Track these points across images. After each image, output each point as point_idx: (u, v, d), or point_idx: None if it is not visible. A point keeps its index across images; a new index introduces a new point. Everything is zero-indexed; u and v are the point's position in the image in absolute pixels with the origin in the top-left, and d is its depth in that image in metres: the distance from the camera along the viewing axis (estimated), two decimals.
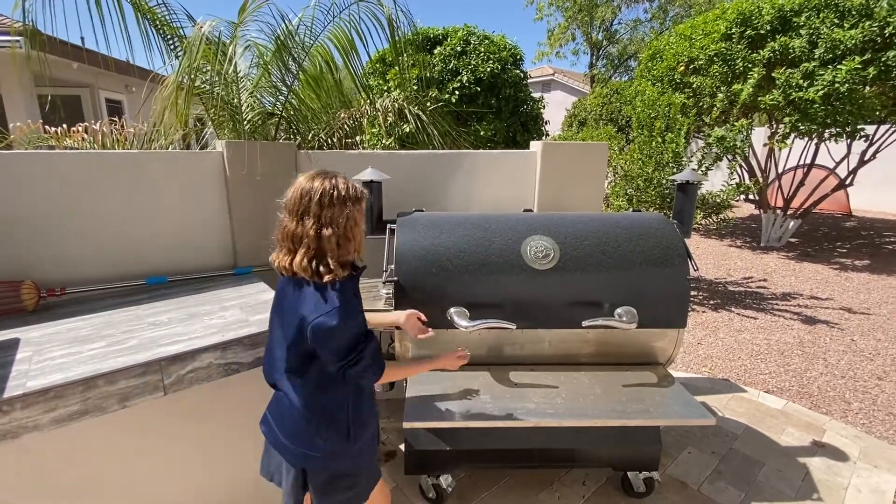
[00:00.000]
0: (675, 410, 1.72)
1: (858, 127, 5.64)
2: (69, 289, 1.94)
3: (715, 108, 5.77)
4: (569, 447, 2.06)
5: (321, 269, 1.18)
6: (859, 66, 5.05)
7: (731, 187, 4.72)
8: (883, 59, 5.13)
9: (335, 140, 3.60)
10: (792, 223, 7.43)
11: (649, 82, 7.17)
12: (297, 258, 1.19)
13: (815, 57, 5.41)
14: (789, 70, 5.51)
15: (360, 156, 2.62)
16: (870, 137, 6.19)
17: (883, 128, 6.55)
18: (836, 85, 5.15)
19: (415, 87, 6.21)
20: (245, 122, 2.97)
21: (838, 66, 5.17)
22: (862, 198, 9.69)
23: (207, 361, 1.58)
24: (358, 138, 3.94)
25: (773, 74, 5.58)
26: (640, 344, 2.01)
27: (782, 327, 4.39)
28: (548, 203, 2.74)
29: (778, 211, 7.45)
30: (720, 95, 5.82)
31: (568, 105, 13.25)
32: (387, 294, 2.04)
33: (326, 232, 1.17)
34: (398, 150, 2.67)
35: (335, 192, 1.19)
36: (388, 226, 2.05)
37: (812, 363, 3.70)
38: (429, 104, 6.09)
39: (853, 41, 5.17)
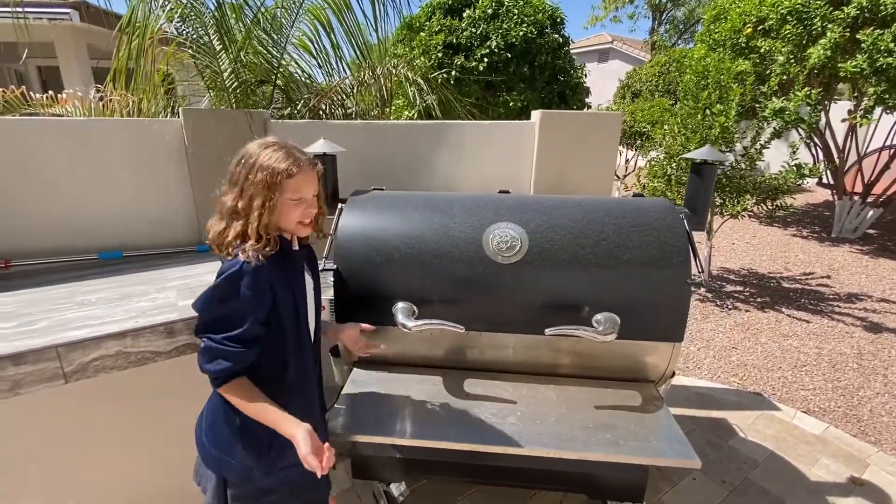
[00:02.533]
0: (650, 445, 1.40)
1: None
2: (15, 261, 1.88)
3: (774, 75, 4.95)
4: (537, 468, 1.79)
5: (213, 237, 1.20)
6: None
7: (790, 169, 4.04)
8: None
9: (334, 110, 3.38)
10: (871, 212, 6.43)
11: (709, 47, 6.32)
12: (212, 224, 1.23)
13: None
14: (878, 31, 4.58)
15: (332, 126, 2.38)
16: None
17: None
18: None
19: (440, 55, 5.85)
20: (230, 90, 2.81)
21: None
22: None
23: (115, 349, 1.45)
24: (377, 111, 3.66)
25: (857, 36, 4.68)
26: (626, 358, 1.68)
27: (839, 335, 3.77)
28: (546, 184, 2.38)
29: (855, 197, 6.46)
30: (780, 59, 4.98)
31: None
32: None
33: (226, 195, 1.16)
34: (375, 121, 2.41)
35: (248, 155, 1.12)
36: (340, 205, 1.82)
37: (868, 380, 3.13)
38: (453, 73, 5.73)
39: None
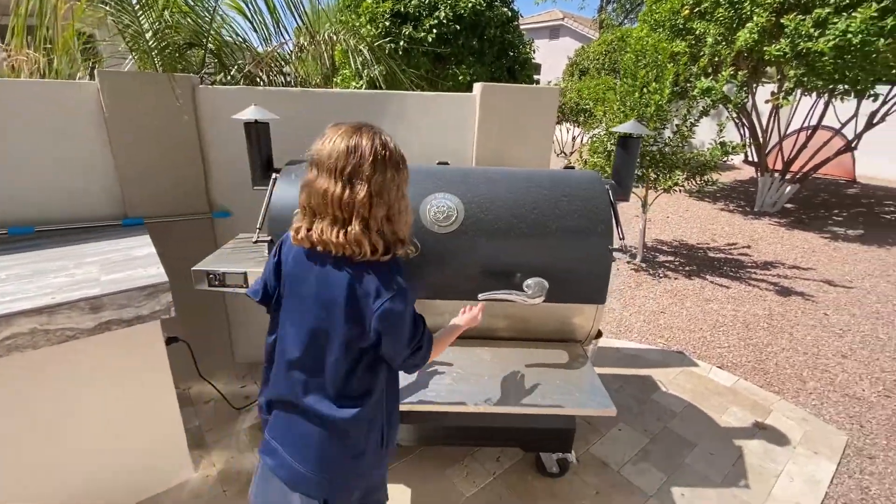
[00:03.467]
0: (574, 398, 1.53)
1: (869, 85, 5.14)
2: None
3: (703, 56, 5.23)
4: (474, 425, 1.90)
5: (381, 245, 0.97)
6: (875, 15, 4.49)
7: (716, 146, 4.34)
8: None
9: (273, 78, 3.23)
10: (789, 188, 7.03)
11: (650, 27, 6.54)
12: (353, 231, 0.94)
13: (830, 2, 4.82)
14: (800, 17, 4.93)
15: (267, 93, 2.29)
16: (881, 98, 5.67)
17: None
18: (849, 36, 4.61)
19: (387, 24, 5.68)
20: (154, 52, 2.62)
21: (853, 14, 4.61)
22: (868, 164, 9.17)
23: (29, 327, 1.38)
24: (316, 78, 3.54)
25: (781, 21, 5.01)
26: (554, 320, 1.79)
27: (754, 298, 4.17)
28: (487, 157, 2.43)
29: (776, 174, 7.03)
30: (709, 41, 5.26)
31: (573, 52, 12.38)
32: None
33: (377, 201, 0.96)
34: (314, 89, 2.35)
35: (386, 153, 0.97)
36: (273, 176, 1.78)
37: (776, 338, 3.51)
38: (402, 43, 5.60)
39: None
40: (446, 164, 2.01)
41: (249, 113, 1.76)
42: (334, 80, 4.20)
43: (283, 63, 3.26)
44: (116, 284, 1.53)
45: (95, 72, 1.99)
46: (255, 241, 1.66)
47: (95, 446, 1.72)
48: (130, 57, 2.99)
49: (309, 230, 0.98)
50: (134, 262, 1.73)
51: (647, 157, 4.30)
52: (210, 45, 3.01)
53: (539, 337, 1.85)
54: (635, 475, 2.12)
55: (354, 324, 0.98)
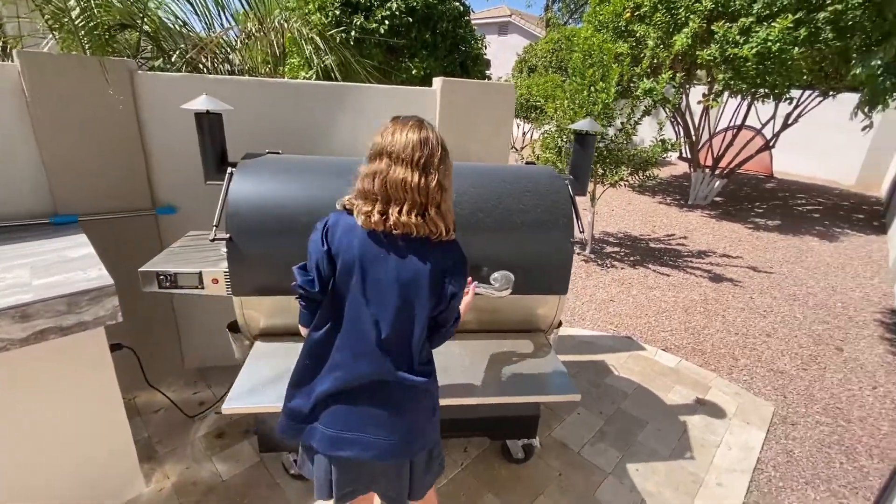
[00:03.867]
0: (540, 386, 1.59)
1: (785, 89, 5.67)
2: None
3: (644, 58, 5.55)
4: (444, 418, 1.91)
5: (450, 224, 1.11)
6: (791, 26, 4.95)
7: (657, 143, 4.62)
8: (814, 21, 5.06)
9: (217, 65, 3.05)
10: (718, 182, 7.63)
11: (595, 28, 6.82)
12: (431, 214, 1.06)
13: (753, 12, 5.26)
14: (728, 24, 5.34)
15: (218, 82, 2.16)
16: (795, 101, 6.28)
17: (808, 92, 6.67)
18: (769, 44, 5.06)
19: (337, 13, 5.51)
20: (81, 31, 2.38)
21: (773, 24, 5.05)
22: (783, 161, 10.14)
23: None
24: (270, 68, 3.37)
25: (712, 27, 5.40)
26: (521, 311, 1.85)
27: (691, 284, 4.51)
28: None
29: (706, 170, 7.60)
30: (650, 43, 5.59)
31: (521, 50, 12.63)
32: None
33: (446, 186, 1.10)
34: (269, 79, 2.24)
35: (445, 145, 1.11)
36: (229, 169, 1.69)
37: (711, 320, 3.82)
38: (353, 33, 5.46)
39: None
40: None
41: (201, 103, 1.65)
42: (280, 69, 4.03)
43: (228, 50, 3.08)
44: (52, 289, 1.40)
45: (14, 53, 1.79)
46: (213, 239, 1.56)
47: (37, 463, 1.57)
48: (51, 37, 2.71)
49: (383, 214, 1.05)
50: (70, 263, 1.58)
51: (595, 154, 4.50)
52: (146, 28, 2.78)
53: (506, 328, 1.90)
54: (594, 455, 2.24)
55: (435, 297, 1.11)
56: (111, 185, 2.06)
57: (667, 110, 5.17)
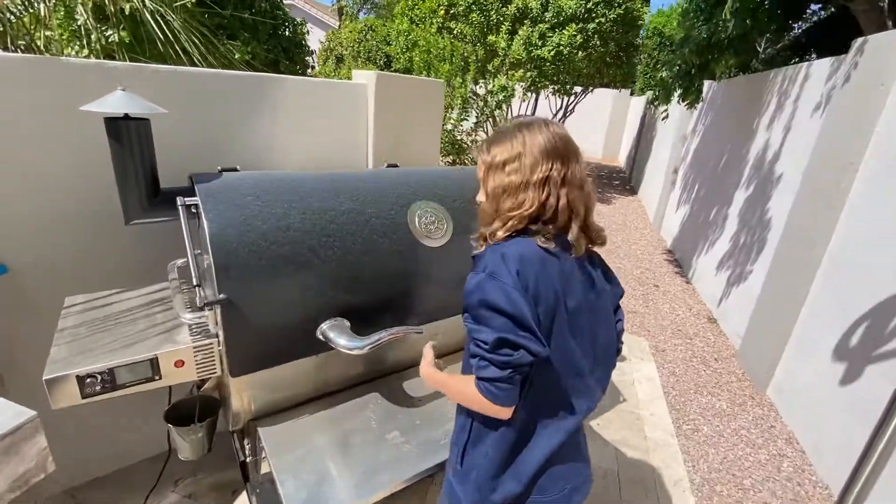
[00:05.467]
0: None
1: (570, 86, 6.99)
2: None
3: (498, 58, 6.10)
4: None
5: None
6: (575, 34, 6.10)
7: None
8: (586, 30, 6.34)
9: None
10: None
11: (410, 21, 7.02)
12: (592, 224, 0.94)
13: (547, 19, 6.26)
14: (530, 28, 6.22)
15: (69, 66, 1.42)
16: (576, 95, 7.81)
17: (578, 88, 8.37)
18: (561, 47, 6.13)
19: None
20: None
21: (563, 31, 6.13)
22: None
23: None
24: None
25: (518, 30, 6.20)
26: None
27: None
28: (384, 155, 2.20)
29: None
30: (503, 44, 6.14)
31: (315, 38, 11.98)
32: (194, 321, 1.19)
33: None
34: (148, 64, 1.58)
35: None
36: (181, 201, 1.16)
37: None
38: (147, 3, 4.28)
39: (571, 10, 6.18)
40: (395, 165, 1.74)
41: (118, 101, 1.07)
42: (37, 41, 2.90)
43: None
44: None
45: None
46: (206, 305, 1.06)
47: None
48: None
49: (577, 236, 0.90)
50: None
51: (456, 147, 4.71)
52: None
53: None
54: None
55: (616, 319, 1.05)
56: None
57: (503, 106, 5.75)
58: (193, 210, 1.19)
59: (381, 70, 9.96)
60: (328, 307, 1.25)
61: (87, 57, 3.71)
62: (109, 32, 3.20)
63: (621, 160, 12.47)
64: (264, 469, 1.43)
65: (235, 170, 1.36)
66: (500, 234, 0.90)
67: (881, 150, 2.22)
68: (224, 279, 1.08)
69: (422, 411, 1.38)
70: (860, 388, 2.09)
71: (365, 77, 2.11)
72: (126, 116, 1.11)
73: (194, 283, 1.08)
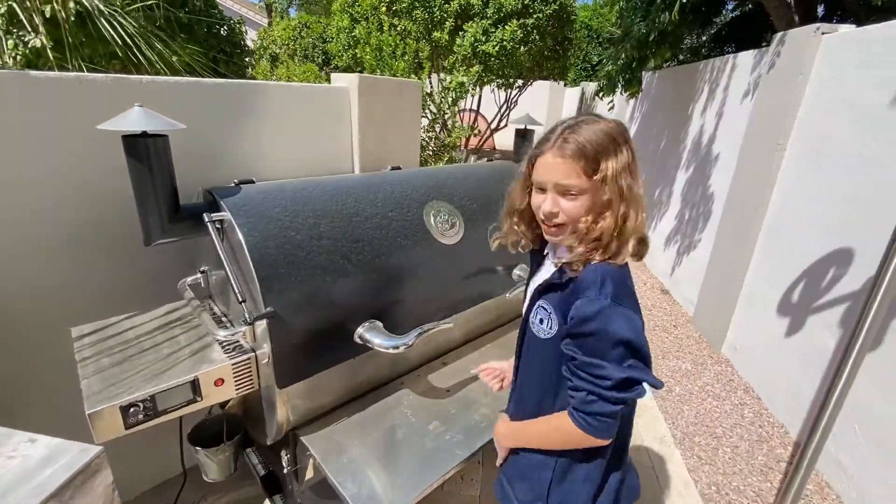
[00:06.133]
0: None
1: (513, 80, 7.22)
2: None
3: (455, 55, 6.17)
4: None
5: None
6: (517, 30, 6.32)
7: (461, 128, 5.24)
8: (525, 26, 6.59)
9: None
10: (472, 158, 9.14)
11: (351, 18, 6.92)
12: None
13: (489, 16, 6.42)
14: (474, 24, 6.36)
15: (39, 82, 1.32)
16: (519, 89, 8.08)
17: (520, 81, 8.65)
18: (504, 42, 6.33)
19: None
20: None
21: (505, 27, 6.32)
22: (505, 137, 12.94)
23: None
24: None
25: (463, 27, 6.31)
26: (521, 299, 1.97)
27: None
28: (371, 158, 2.22)
29: (463, 149, 8.98)
30: (458, 41, 6.20)
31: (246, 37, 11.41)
32: (228, 339, 1.18)
33: None
34: (127, 76, 1.49)
35: None
36: (209, 217, 1.14)
37: None
38: (72, 5, 3.90)
39: (510, 6, 6.39)
40: (398, 168, 1.77)
41: (132, 120, 1.03)
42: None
43: None
44: None
45: None
46: (254, 320, 1.05)
47: None
48: None
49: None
50: None
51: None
52: None
53: (503, 321, 1.97)
54: None
55: None
56: None
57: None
58: (219, 226, 1.17)
59: (321, 68, 9.69)
60: (362, 310, 1.28)
61: (4, 65, 3.36)
62: (28, 38, 2.96)
63: None
64: (305, 477, 1.43)
65: (252, 182, 1.34)
66: (623, 258, 0.83)
67: (803, 133, 2.56)
68: (268, 292, 1.09)
69: (454, 400, 1.45)
70: (802, 338, 2.42)
71: (346, 80, 2.11)
72: (144, 134, 1.07)
73: (239, 299, 1.07)
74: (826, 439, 1.66)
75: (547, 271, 0.97)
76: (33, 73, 1.27)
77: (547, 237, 0.91)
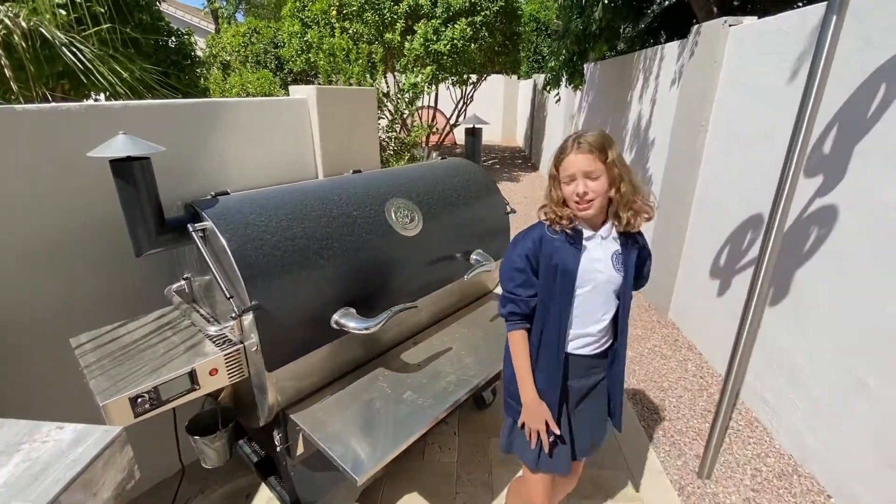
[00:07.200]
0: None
1: (466, 76, 7.44)
2: None
3: (406, 57, 6.29)
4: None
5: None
6: (466, 27, 6.53)
7: (421, 127, 5.41)
8: (474, 23, 6.81)
9: None
10: (434, 154, 9.33)
11: (302, 23, 6.96)
12: None
13: (438, 15, 6.60)
14: (424, 24, 6.52)
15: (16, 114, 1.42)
16: (473, 85, 8.31)
17: (473, 77, 8.89)
18: (455, 41, 6.53)
19: None
20: None
21: (454, 26, 6.52)
22: (458, 132, 13.16)
23: None
24: None
25: (414, 27, 6.47)
26: (480, 280, 2.19)
27: None
28: (333, 163, 2.37)
29: (425, 146, 9.15)
30: (407, 44, 6.33)
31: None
32: (218, 334, 1.34)
33: None
34: (109, 103, 1.59)
35: None
36: (192, 227, 1.29)
37: None
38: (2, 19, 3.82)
39: (458, 5, 6.59)
40: (359, 171, 1.94)
41: (118, 147, 1.17)
42: None
43: None
44: None
45: None
46: (241, 313, 1.22)
47: None
48: None
49: None
50: None
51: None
52: None
53: (466, 301, 2.19)
54: None
55: None
56: None
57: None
58: (203, 234, 1.32)
59: (275, 74, 9.57)
60: (336, 299, 1.46)
61: None
62: None
63: (519, 140, 13.42)
64: (296, 453, 1.60)
65: (227, 193, 1.49)
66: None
67: (720, 114, 2.89)
68: (252, 288, 1.25)
69: (425, 372, 1.65)
70: (729, 296, 2.76)
71: (304, 92, 2.26)
72: (129, 158, 1.21)
73: (227, 295, 1.23)
74: (744, 369, 1.96)
75: (609, 245, 1.25)
76: (18, 107, 1.38)
77: (580, 215, 1.20)
